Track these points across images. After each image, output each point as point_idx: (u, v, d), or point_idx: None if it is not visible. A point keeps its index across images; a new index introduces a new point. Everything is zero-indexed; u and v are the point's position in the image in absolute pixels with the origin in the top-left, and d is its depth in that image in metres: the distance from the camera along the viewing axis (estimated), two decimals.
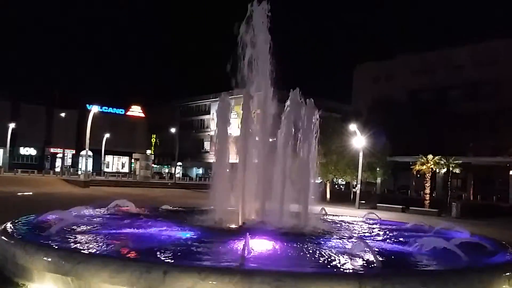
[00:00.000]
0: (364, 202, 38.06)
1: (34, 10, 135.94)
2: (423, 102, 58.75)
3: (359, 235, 11.40)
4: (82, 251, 7.30)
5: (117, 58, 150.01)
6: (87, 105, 67.13)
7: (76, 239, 8.31)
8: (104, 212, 13.03)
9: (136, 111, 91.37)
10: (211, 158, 14.56)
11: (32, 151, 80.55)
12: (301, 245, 8.73)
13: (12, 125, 66.04)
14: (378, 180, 49.07)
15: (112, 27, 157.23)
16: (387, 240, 10.46)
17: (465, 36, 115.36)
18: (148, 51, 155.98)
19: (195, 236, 9.35)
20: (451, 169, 38.79)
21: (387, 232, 11.88)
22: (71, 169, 67.06)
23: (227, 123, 12.67)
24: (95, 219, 11.25)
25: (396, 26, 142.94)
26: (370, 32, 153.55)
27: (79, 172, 60.79)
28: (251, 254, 7.31)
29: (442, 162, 38.30)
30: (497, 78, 56.08)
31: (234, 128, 12.98)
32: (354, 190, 44.06)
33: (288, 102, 12.55)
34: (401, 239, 10.42)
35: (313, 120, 12.59)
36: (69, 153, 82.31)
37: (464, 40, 69.51)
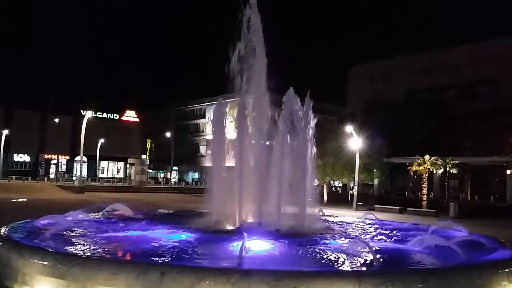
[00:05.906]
0: (361, 203, 37.98)
1: (30, 17, 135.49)
2: (420, 102, 58.69)
3: (357, 234, 11.35)
4: (78, 254, 7.20)
5: (111, 63, 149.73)
6: (81, 111, 66.70)
7: (71, 243, 8.22)
8: (99, 216, 12.92)
9: (130, 116, 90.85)
10: (207, 162, 14.41)
11: (26, 158, 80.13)
12: (298, 245, 8.66)
13: (5, 132, 65.61)
14: (375, 182, 49.00)
15: (106, 32, 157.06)
16: (386, 239, 10.41)
17: (462, 35, 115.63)
18: (142, 56, 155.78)
19: (192, 238, 9.28)
20: (448, 169, 38.79)
21: (385, 232, 11.82)
22: (66, 175, 66.68)
23: (223, 126, 12.63)
24: (90, 223, 11.13)
25: (392, 26, 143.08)
26: (365, 32, 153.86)
27: (74, 178, 60.46)
28: (248, 254, 7.25)
29: (439, 163, 38.30)
30: (494, 78, 56.15)
31: (230, 132, 12.93)
32: (351, 192, 44.00)
33: (283, 103, 12.53)
34: (399, 238, 10.38)
35: (309, 120, 12.57)
36: (64, 159, 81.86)
37: (461, 39, 69.70)
